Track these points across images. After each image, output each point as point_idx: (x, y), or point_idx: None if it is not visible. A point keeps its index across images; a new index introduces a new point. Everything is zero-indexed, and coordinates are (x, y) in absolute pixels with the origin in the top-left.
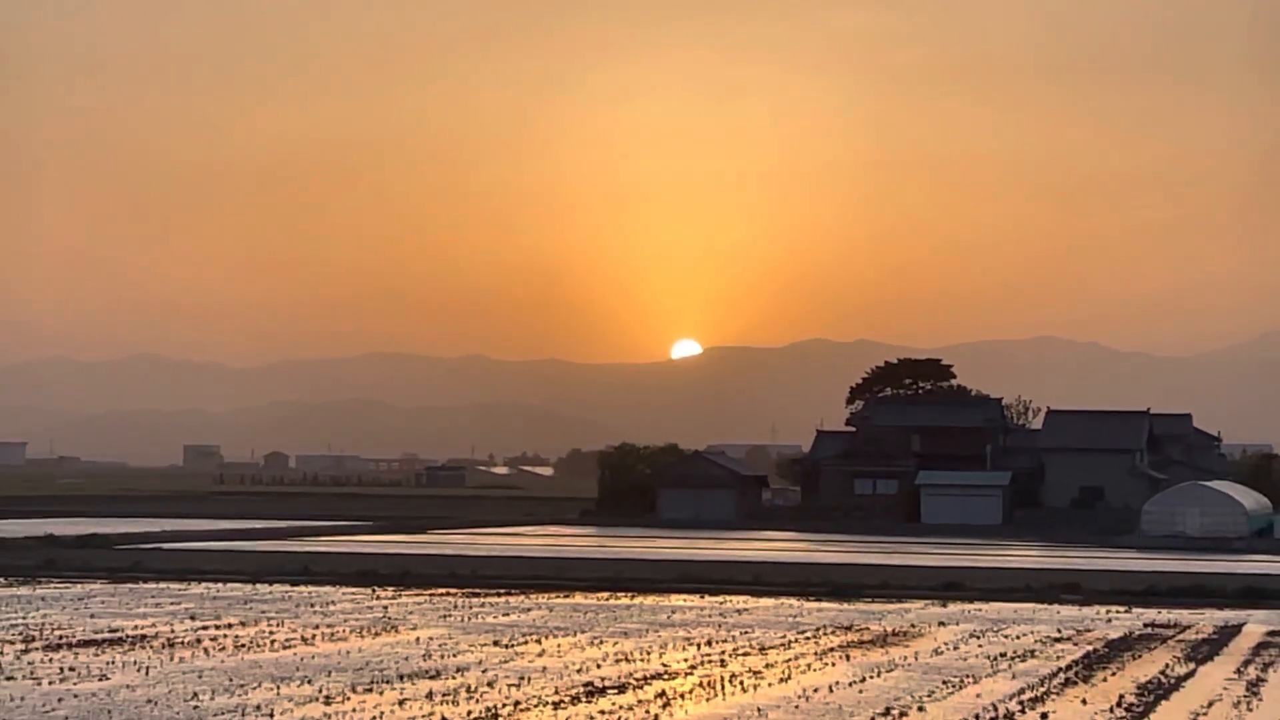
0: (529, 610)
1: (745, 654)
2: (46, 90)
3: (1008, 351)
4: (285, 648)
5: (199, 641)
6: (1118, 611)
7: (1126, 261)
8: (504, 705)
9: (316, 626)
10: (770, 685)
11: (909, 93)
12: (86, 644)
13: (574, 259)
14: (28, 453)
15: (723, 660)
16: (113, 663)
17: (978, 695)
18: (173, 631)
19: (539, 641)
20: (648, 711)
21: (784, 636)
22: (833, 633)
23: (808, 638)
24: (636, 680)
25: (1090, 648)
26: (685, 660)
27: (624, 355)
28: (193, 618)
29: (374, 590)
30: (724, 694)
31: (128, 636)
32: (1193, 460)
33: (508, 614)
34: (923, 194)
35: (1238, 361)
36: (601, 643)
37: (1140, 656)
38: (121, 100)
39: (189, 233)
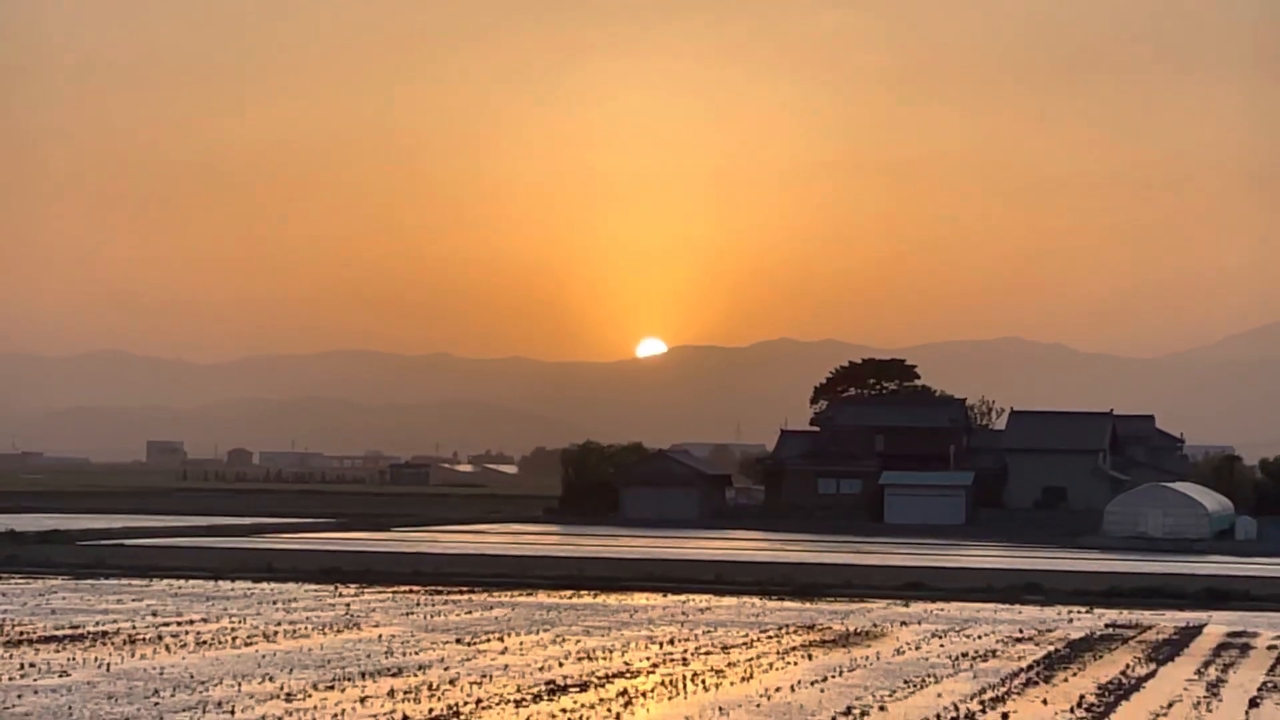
0: (492, 608)
1: (707, 653)
2: (12, 84)
3: (972, 352)
4: (247, 644)
5: (160, 638)
6: (1079, 612)
7: (1091, 263)
8: (466, 703)
9: (279, 623)
10: (732, 684)
11: (876, 94)
12: (47, 640)
13: (539, 257)
14: None
15: (685, 659)
16: (74, 659)
17: (939, 695)
18: (134, 628)
19: (501, 639)
20: (609, 710)
21: (746, 635)
22: (795, 632)
23: (770, 637)
24: (599, 679)
25: (1052, 648)
26: (647, 659)
27: (589, 354)
28: (155, 614)
29: (337, 587)
30: (686, 693)
31: (89, 633)
32: (1155, 462)
33: (470, 612)
34: (889, 195)
35: (1201, 364)
36: (564, 641)
37: (1101, 657)
38: (90, 97)
39: (156, 229)
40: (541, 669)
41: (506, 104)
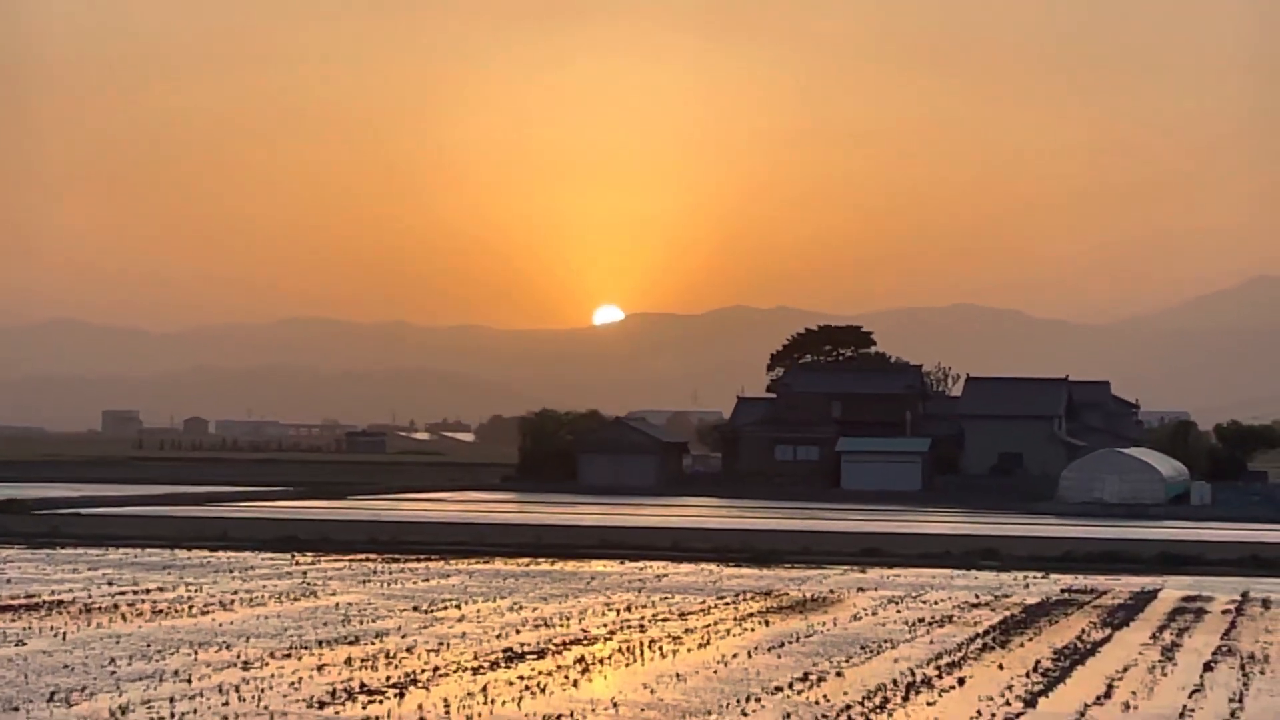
0: (449, 576)
1: (665, 619)
2: None
3: (928, 319)
4: (204, 613)
5: (116, 607)
6: (1035, 577)
7: (1046, 229)
8: (423, 670)
9: (235, 592)
10: (689, 651)
11: (834, 62)
12: (3, 609)
13: (496, 226)
14: None
15: (642, 626)
16: (30, 628)
17: (895, 661)
18: (90, 597)
19: (459, 607)
20: (567, 677)
21: (703, 602)
22: (752, 598)
23: (727, 603)
24: (556, 645)
25: (1008, 613)
26: (605, 626)
27: (545, 321)
28: (110, 583)
29: (293, 556)
30: (643, 659)
31: (45, 602)
32: (1111, 427)
33: (428, 579)
34: (844, 162)
35: (1156, 330)
36: (521, 608)
37: (1057, 622)
38: (42, 68)
39: (110, 198)
40: (499, 636)
41: (463, 71)
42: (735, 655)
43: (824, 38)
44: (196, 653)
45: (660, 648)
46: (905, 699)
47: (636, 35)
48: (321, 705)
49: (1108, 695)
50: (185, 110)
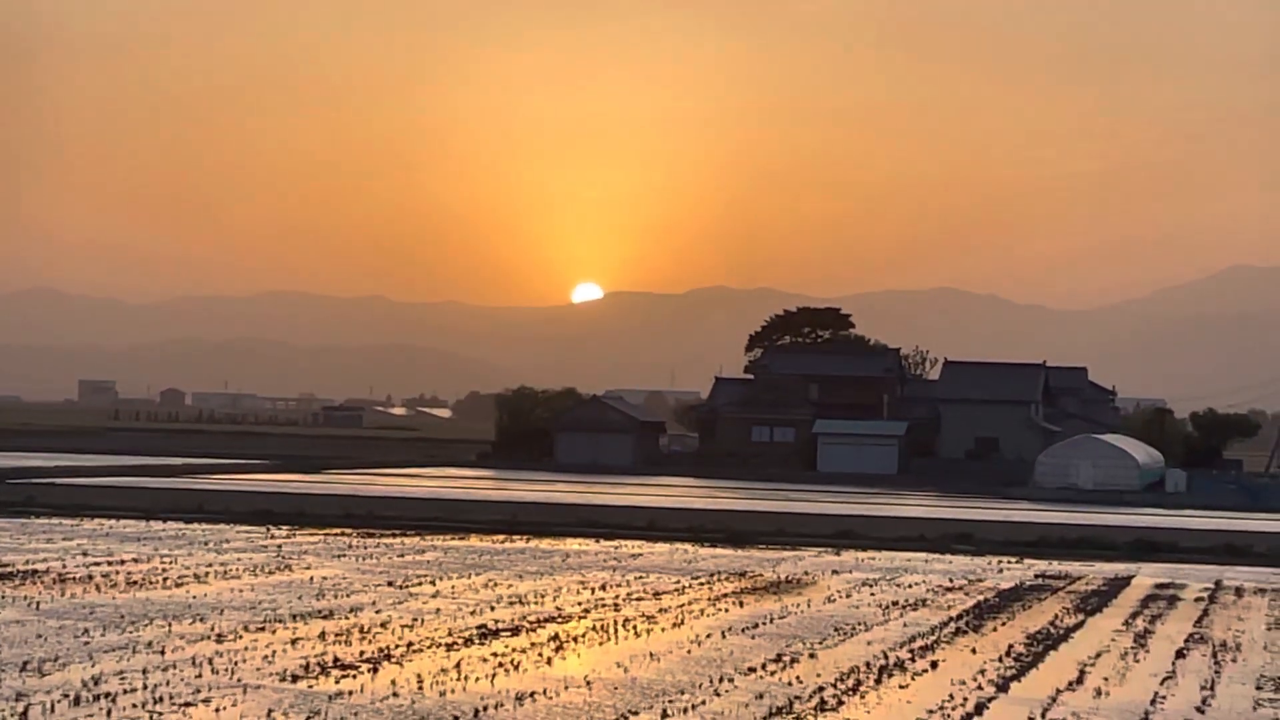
0: (424, 551)
1: (639, 599)
2: None
3: (907, 302)
4: (178, 585)
5: (91, 578)
6: (1009, 562)
7: (1027, 216)
8: (397, 646)
9: (210, 564)
10: (664, 630)
11: (816, 43)
12: None
13: (476, 202)
14: None
15: (617, 604)
16: (3, 597)
17: (869, 643)
18: (64, 567)
19: (434, 583)
20: (541, 654)
21: (678, 582)
22: (726, 579)
23: (701, 583)
24: (530, 623)
25: (981, 598)
26: (579, 604)
27: (524, 299)
28: (85, 554)
29: (269, 529)
30: (617, 638)
31: (18, 571)
32: (1087, 414)
33: (403, 555)
34: (827, 144)
35: (1133, 316)
36: (496, 585)
37: (1030, 607)
38: (14, 39)
39: (88, 168)
40: (473, 613)
41: (442, 46)
42: (709, 635)
43: (810, 18)
44: (170, 624)
45: (634, 627)
46: (878, 681)
47: (620, 13)
48: (295, 679)
49: (1080, 681)
50: (164, 81)
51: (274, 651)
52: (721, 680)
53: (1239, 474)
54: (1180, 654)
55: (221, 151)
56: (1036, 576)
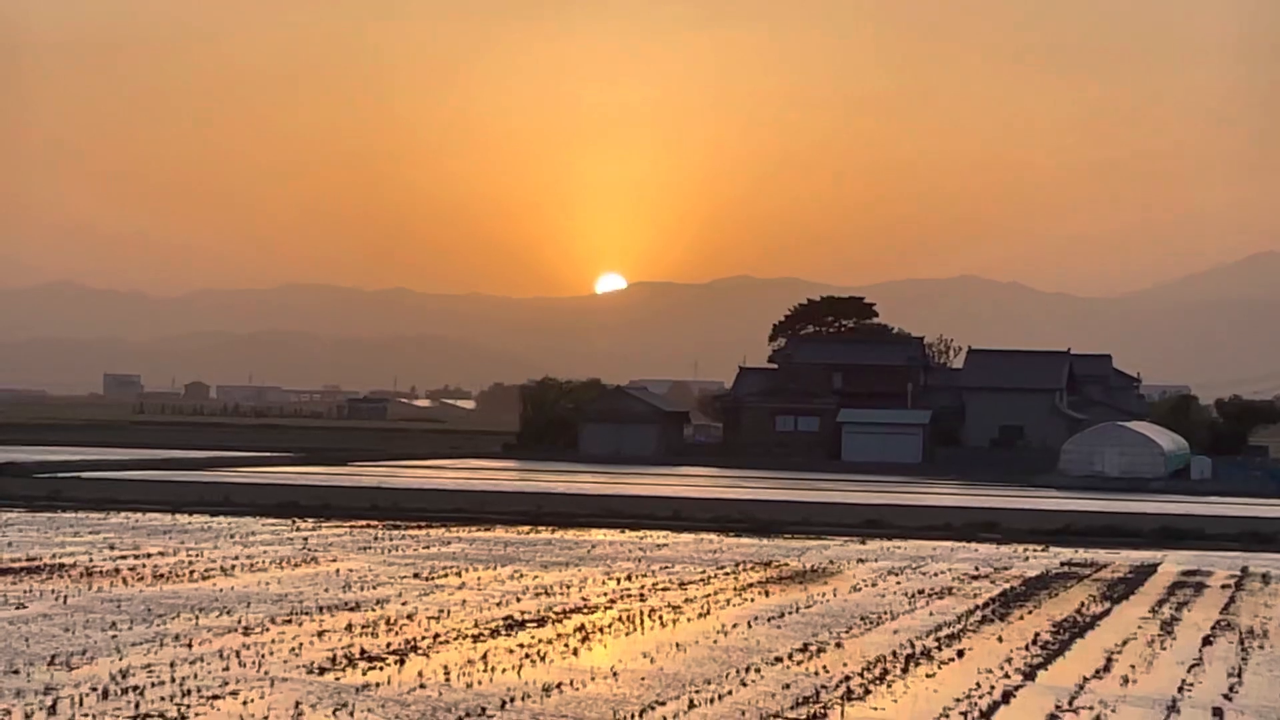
0: (449, 543)
1: (665, 589)
2: None
3: (930, 291)
4: (205, 578)
5: (117, 571)
6: (1035, 550)
7: (1050, 203)
8: (423, 638)
9: (236, 557)
10: (689, 620)
11: (841, 30)
12: (4, 572)
13: (500, 193)
14: None
15: (642, 595)
16: (30, 591)
17: (895, 632)
18: (91, 561)
19: (459, 574)
20: (567, 645)
21: (703, 572)
22: (752, 569)
23: (727, 573)
24: (556, 614)
25: (1007, 586)
26: (605, 595)
27: (548, 289)
28: (111, 547)
29: (294, 522)
30: (643, 629)
31: (45, 565)
32: (1112, 401)
33: (428, 547)
34: (850, 132)
35: (1158, 303)
36: (521, 576)
37: (1056, 595)
38: (33, 31)
39: (111, 162)
40: (499, 604)
41: (471, 38)
42: (735, 625)
43: (835, 6)
44: (197, 617)
45: (660, 617)
46: (904, 670)
47: (643, 4)
48: (322, 671)
49: (1106, 669)
50: (189, 74)
51: (301, 644)
52: (748, 670)
53: (1264, 460)
54: (1207, 641)
55: (245, 144)
56: (1062, 564)
